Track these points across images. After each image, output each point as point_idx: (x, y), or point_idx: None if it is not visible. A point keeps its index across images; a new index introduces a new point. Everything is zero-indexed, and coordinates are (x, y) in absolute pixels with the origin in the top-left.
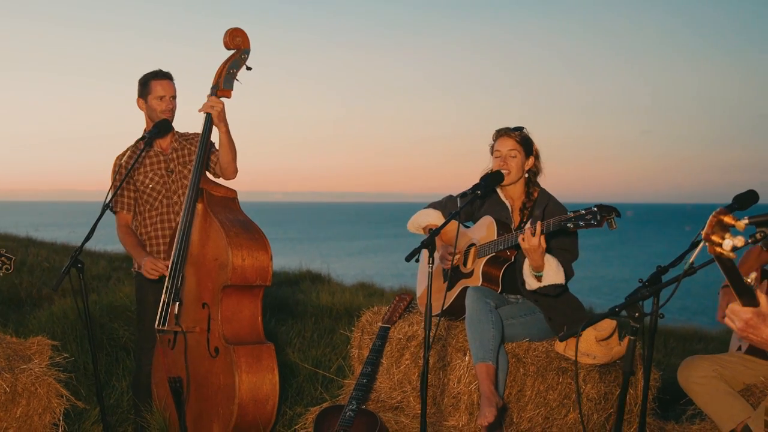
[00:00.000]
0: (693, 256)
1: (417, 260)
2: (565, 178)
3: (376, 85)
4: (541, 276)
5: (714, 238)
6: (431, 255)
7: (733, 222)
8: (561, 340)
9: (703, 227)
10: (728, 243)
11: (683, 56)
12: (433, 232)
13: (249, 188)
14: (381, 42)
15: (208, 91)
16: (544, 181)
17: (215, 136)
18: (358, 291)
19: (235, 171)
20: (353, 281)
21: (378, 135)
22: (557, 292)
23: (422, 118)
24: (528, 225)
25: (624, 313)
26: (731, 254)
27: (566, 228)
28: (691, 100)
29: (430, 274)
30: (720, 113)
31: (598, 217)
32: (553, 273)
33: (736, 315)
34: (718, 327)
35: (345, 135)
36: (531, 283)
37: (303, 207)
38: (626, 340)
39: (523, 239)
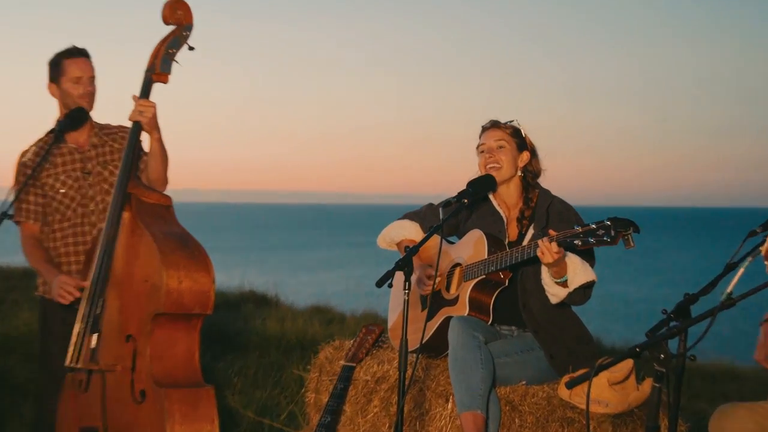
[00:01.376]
0: (732, 284)
1: (390, 285)
2: (568, 178)
3: (322, 61)
4: (566, 280)
5: None
6: (407, 278)
7: None
8: (568, 388)
9: (762, 242)
10: None
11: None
12: (410, 250)
13: (171, 185)
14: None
15: (142, 75)
16: (550, 185)
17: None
18: (313, 317)
19: (166, 182)
20: (307, 304)
21: (331, 120)
22: (587, 296)
23: (377, 100)
24: (545, 239)
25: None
26: None
27: (573, 246)
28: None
29: (406, 302)
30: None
31: (612, 233)
32: (580, 271)
33: None
34: (755, 363)
35: (292, 118)
36: (558, 293)
37: (242, 209)
38: (646, 384)
39: (543, 253)
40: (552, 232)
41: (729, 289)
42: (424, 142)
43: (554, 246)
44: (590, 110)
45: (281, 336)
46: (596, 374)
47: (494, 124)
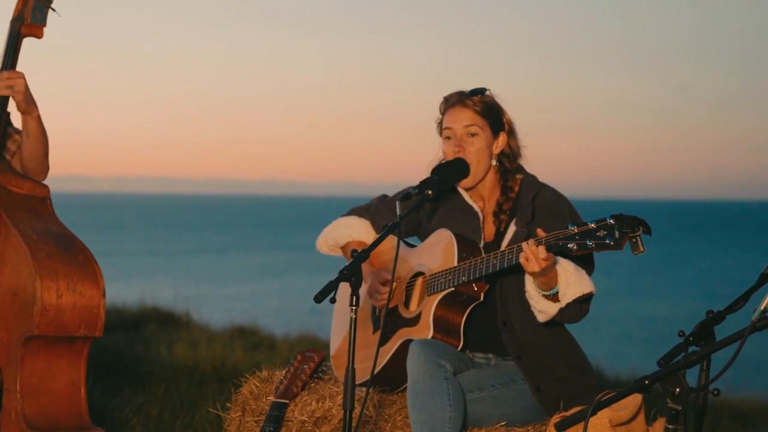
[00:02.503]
0: (766, 300)
1: (332, 300)
2: (556, 165)
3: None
4: (557, 293)
5: None
6: (355, 291)
7: None
8: (558, 431)
9: None
10: None
11: None
12: (359, 256)
13: (53, 172)
14: None
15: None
16: (530, 167)
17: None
18: (233, 340)
19: (46, 169)
20: (226, 324)
21: (245, 82)
22: (584, 312)
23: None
24: (530, 241)
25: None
26: None
27: (566, 250)
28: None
29: (354, 321)
30: None
31: (617, 235)
32: (574, 281)
33: None
34: None
35: (207, 88)
36: (546, 309)
37: (143, 201)
38: (658, 425)
39: (528, 259)
40: (541, 233)
41: (763, 305)
42: (367, 116)
43: (542, 251)
44: (572, 73)
45: (193, 365)
46: (594, 413)
47: (460, 100)
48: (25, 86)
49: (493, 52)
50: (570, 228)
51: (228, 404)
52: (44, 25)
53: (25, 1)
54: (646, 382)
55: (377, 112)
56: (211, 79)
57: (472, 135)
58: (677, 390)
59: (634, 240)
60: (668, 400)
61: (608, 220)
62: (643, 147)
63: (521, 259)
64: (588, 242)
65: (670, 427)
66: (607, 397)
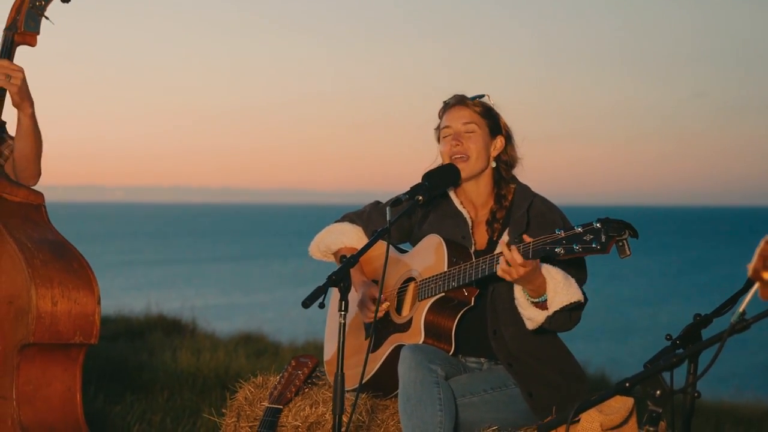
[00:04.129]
0: (745, 302)
1: (321, 305)
2: (564, 172)
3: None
4: (545, 300)
5: (767, 276)
6: (343, 297)
7: None
8: None
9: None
10: None
11: None
12: (347, 261)
13: (62, 180)
14: None
15: None
16: (527, 177)
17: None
18: (238, 347)
19: (38, 173)
20: (233, 332)
21: (258, 92)
22: (575, 320)
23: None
24: (504, 241)
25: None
26: None
27: (553, 255)
28: None
29: (343, 326)
30: None
31: (603, 239)
32: (561, 289)
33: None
34: None
35: (214, 101)
36: (535, 317)
37: (152, 210)
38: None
39: (506, 268)
40: (527, 238)
41: (741, 308)
42: (367, 124)
43: (517, 255)
44: (578, 80)
45: (196, 372)
46: (576, 415)
47: (460, 101)
48: (23, 80)
49: (499, 60)
50: (557, 233)
51: (223, 410)
52: (38, 33)
53: (18, 10)
54: (627, 384)
55: (388, 119)
56: (223, 88)
57: (470, 132)
58: (657, 392)
59: (620, 244)
60: (648, 403)
61: (595, 224)
62: (649, 154)
63: (499, 272)
64: (575, 246)
65: (651, 429)
66: (588, 401)
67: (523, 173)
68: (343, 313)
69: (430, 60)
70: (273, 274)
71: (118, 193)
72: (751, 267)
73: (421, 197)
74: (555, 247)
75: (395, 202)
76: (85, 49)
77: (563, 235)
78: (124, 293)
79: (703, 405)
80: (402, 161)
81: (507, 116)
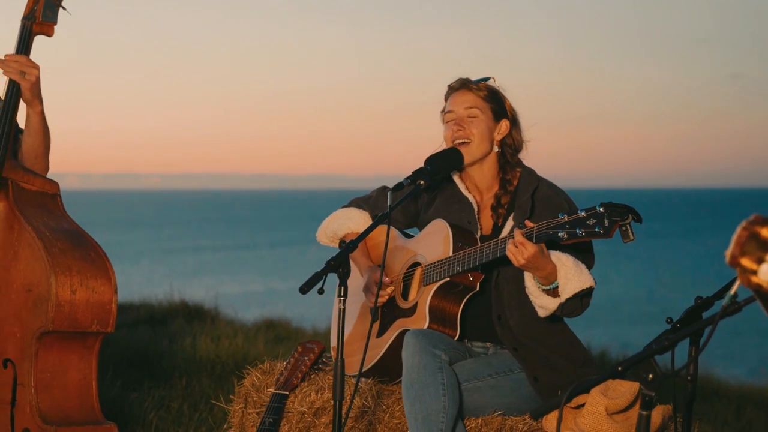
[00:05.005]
0: (736, 285)
1: (320, 291)
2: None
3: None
4: (557, 287)
5: (745, 262)
6: (342, 282)
7: None
8: (534, 418)
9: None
10: (767, 270)
11: None
12: (346, 247)
13: (106, 169)
14: None
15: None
16: (534, 162)
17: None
18: (258, 333)
19: (47, 168)
20: (257, 318)
21: (279, 80)
22: (585, 306)
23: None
24: (516, 229)
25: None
26: None
27: (557, 239)
28: None
29: (342, 312)
30: None
31: (606, 223)
32: (573, 276)
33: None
34: None
35: (251, 85)
36: (547, 305)
37: (187, 196)
38: (657, 412)
39: (514, 252)
40: (529, 223)
41: (733, 290)
42: (395, 109)
43: (524, 240)
44: (599, 62)
45: (215, 359)
46: (569, 400)
47: (464, 84)
48: (37, 77)
49: (521, 43)
50: (560, 217)
51: (231, 396)
52: (55, 23)
53: (36, 0)
54: (619, 368)
55: (413, 104)
56: (256, 75)
57: (472, 117)
58: (650, 376)
59: (624, 228)
60: (642, 387)
61: (598, 209)
62: (667, 135)
63: (507, 252)
64: (578, 231)
65: (644, 413)
66: (582, 384)
67: (535, 157)
68: (342, 298)
69: (454, 44)
70: (310, 261)
71: (154, 179)
72: (728, 253)
73: (422, 182)
74: (558, 232)
75: (397, 187)
76: (124, 42)
77: (566, 219)
78: (162, 280)
79: (724, 387)
80: (430, 145)
81: (520, 100)
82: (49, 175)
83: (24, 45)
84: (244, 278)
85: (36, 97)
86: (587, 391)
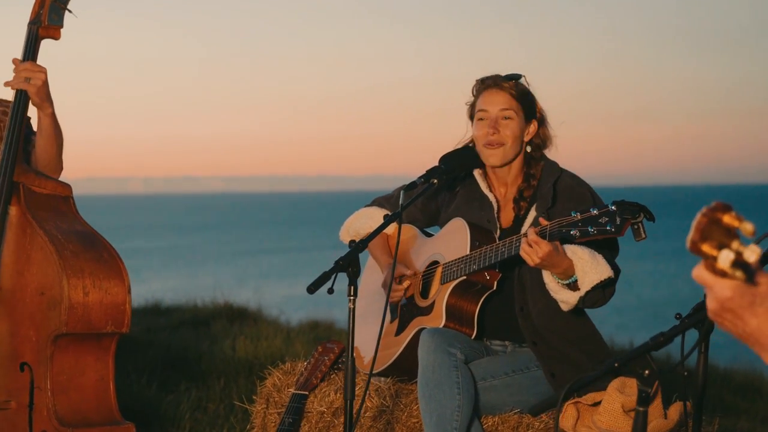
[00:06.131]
0: None
1: (330, 291)
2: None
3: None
4: (576, 281)
5: (706, 248)
6: (352, 282)
7: (736, 223)
8: (533, 414)
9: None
10: (727, 256)
11: None
12: (356, 246)
13: (164, 173)
14: None
15: (23, 31)
16: (561, 159)
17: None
18: (301, 334)
19: (60, 168)
20: (303, 318)
21: (318, 83)
22: (608, 296)
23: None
24: (530, 228)
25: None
26: (736, 273)
27: (569, 237)
28: None
29: (352, 312)
30: None
31: (618, 221)
32: (590, 268)
33: (711, 289)
34: None
35: (311, 87)
36: (568, 299)
37: (251, 199)
38: (674, 409)
39: (529, 252)
40: (543, 222)
41: None
42: (445, 107)
43: (538, 239)
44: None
45: (253, 359)
46: (567, 398)
47: (497, 83)
48: (44, 81)
49: (568, 41)
50: (573, 215)
51: (254, 396)
52: (61, 26)
53: (42, 3)
54: (616, 365)
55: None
56: (315, 77)
57: (507, 119)
58: (646, 372)
59: (635, 226)
60: (638, 383)
61: (610, 207)
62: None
63: (521, 253)
64: (590, 229)
65: (640, 409)
66: (581, 380)
67: (556, 154)
68: (352, 298)
69: (505, 43)
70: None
71: (216, 182)
72: (688, 239)
73: (436, 180)
74: (570, 230)
75: (410, 186)
76: (184, 48)
77: (579, 217)
78: (236, 283)
79: (738, 377)
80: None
81: (569, 98)
82: (105, 179)
83: (31, 50)
84: (295, 281)
85: (45, 101)
86: (583, 387)
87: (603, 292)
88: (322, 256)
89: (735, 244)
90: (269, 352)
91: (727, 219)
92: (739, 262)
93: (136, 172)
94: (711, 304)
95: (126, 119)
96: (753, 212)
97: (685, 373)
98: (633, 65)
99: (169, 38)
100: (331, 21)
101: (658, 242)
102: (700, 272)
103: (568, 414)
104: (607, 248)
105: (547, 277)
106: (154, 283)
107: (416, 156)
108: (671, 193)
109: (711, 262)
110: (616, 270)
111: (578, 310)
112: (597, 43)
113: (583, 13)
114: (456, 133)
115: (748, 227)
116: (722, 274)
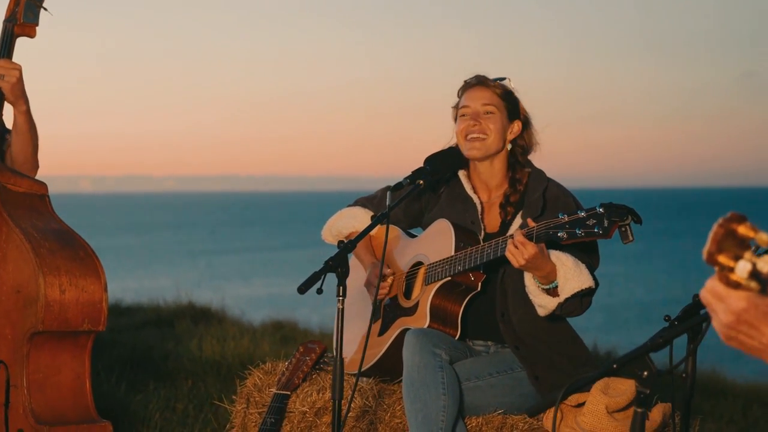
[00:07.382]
0: None
1: (319, 291)
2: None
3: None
4: (556, 287)
5: (722, 259)
6: (341, 282)
7: (752, 233)
8: (530, 415)
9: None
10: (744, 267)
11: None
12: (345, 247)
13: (114, 171)
14: None
15: None
16: (542, 162)
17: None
18: (265, 334)
19: (36, 166)
20: (265, 318)
21: (283, 82)
22: (585, 306)
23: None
24: (517, 230)
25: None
26: (752, 284)
27: (557, 239)
28: None
29: (341, 312)
30: None
31: (606, 223)
32: (572, 275)
33: (724, 301)
34: None
35: (261, 87)
36: (546, 304)
37: (201, 198)
38: (657, 410)
39: (514, 253)
40: (531, 223)
41: None
42: (409, 108)
43: (525, 240)
44: (602, 64)
45: (221, 360)
46: (564, 398)
47: (481, 81)
48: (18, 78)
49: (528, 44)
50: (560, 217)
51: (234, 396)
52: (36, 24)
53: (17, 1)
54: (614, 366)
55: (423, 104)
56: (265, 77)
57: (489, 113)
58: (644, 373)
59: (623, 229)
60: (637, 384)
61: (598, 209)
62: (673, 135)
63: (507, 254)
64: (577, 231)
65: (639, 410)
66: (576, 383)
67: (545, 158)
68: (341, 298)
69: (461, 45)
70: (321, 262)
71: (168, 182)
72: (705, 251)
73: (421, 181)
74: (558, 232)
75: (396, 186)
76: (138, 46)
77: (566, 219)
78: (194, 283)
79: (731, 386)
80: (436, 144)
81: (529, 100)
82: (54, 177)
83: (6, 47)
84: (253, 281)
85: (20, 98)
86: (583, 388)
87: (581, 301)
88: (277, 256)
89: (748, 255)
90: (237, 352)
91: (742, 230)
92: (754, 273)
93: (86, 171)
94: (725, 318)
95: (76, 117)
96: (710, 216)
97: (684, 375)
98: (592, 70)
99: (120, 35)
100: (289, 19)
101: (618, 244)
102: (713, 284)
103: (551, 414)
104: (587, 261)
105: (528, 280)
106: (111, 282)
107: (368, 157)
108: (630, 197)
109: (725, 274)
110: (596, 282)
111: (558, 317)
112: (556, 46)
113: (541, 16)
114: (410, 134)
115: (764, 238)
116: (735, 285)
